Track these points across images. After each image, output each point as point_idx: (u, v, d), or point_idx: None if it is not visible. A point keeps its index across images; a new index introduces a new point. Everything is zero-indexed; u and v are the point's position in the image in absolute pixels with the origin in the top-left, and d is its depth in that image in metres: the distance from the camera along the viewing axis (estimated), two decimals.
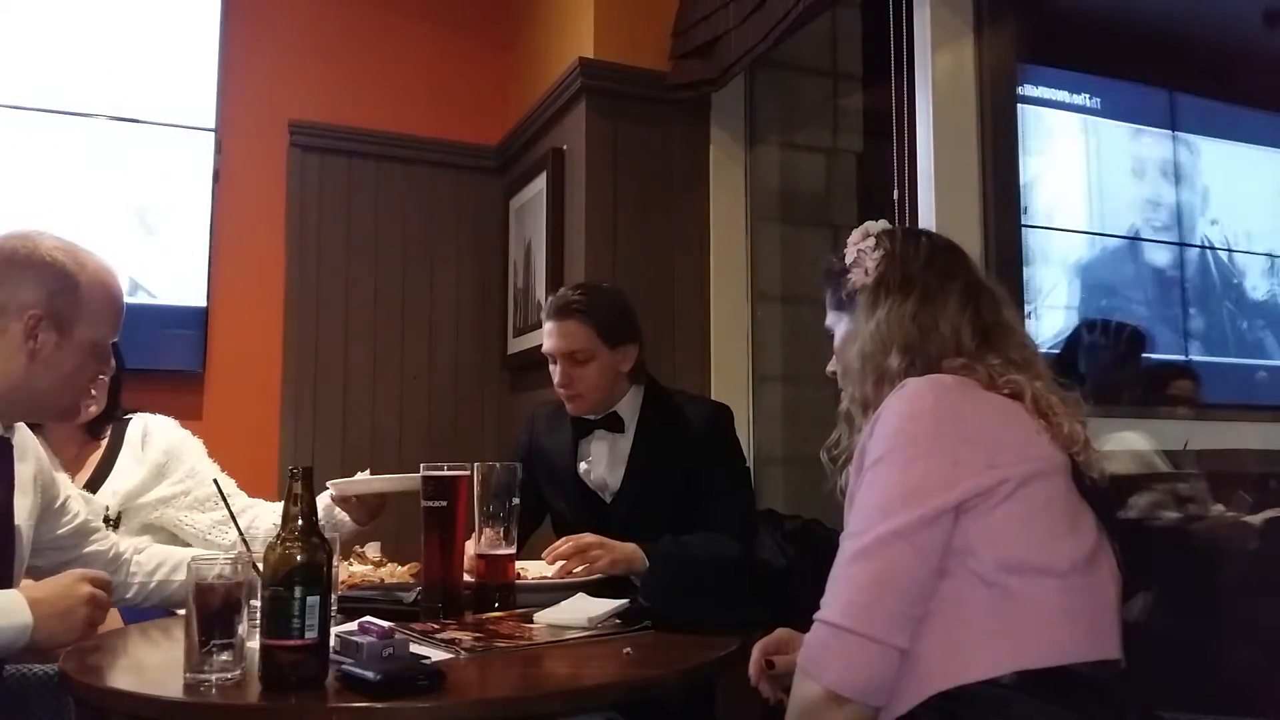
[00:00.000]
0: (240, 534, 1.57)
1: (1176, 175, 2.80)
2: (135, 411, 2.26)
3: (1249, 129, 2.82)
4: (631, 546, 1.87)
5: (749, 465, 2.59)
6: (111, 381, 2.18)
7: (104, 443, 2.19)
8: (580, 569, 1.81)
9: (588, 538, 1.87)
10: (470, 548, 1.69)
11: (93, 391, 2.09)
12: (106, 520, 2.09)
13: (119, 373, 2.21)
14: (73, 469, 2.13)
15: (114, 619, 1.80)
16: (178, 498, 2.15)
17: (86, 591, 1.50)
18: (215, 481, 1.77)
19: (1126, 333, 2.49)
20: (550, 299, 2.21)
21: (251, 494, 2.14)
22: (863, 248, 1.35)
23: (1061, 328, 2.56)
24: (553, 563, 1.84)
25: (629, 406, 2.16)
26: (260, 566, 1.21)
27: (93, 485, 2.12)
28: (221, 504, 2.09)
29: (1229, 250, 2.77)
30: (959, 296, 1.30)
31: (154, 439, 2.20)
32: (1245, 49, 2.57)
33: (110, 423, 2.20)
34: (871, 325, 1.30)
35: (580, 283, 2.41)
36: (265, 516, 2.06)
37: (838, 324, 1.41)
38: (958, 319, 1.28)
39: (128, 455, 2.16)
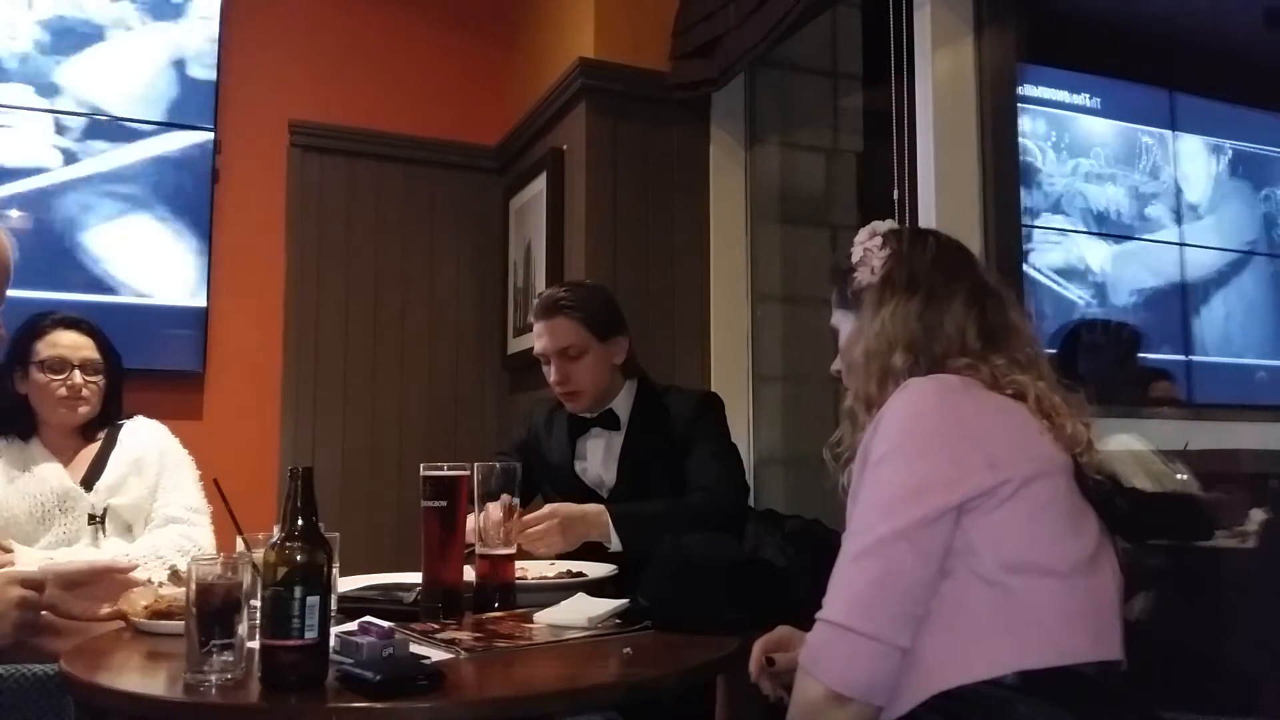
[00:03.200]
0: (240, 534, 1.55)
1: (1176, 175, 2.80)
2: (135, 415, 2.28)
3: (1249, 129, 2.82)
4: (588, 508, 1.93)
5: (748, 464, 2.58)
6: (110, 386, 2.20)
7: (98, 443, 2.21)
8: (543, 549, 1.86)
9: (544, 510, 1.90)
10: (470, 522, 1.69)
11: (83, 394, 2.13)
12: (93, 519, 2.11)
13: (118, 377, 2.23)
14: (69, 465, 2.16)
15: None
16: (140, 506, 2.17)
17: (16, 595, 1.46)
18: (215, 481, 1.75)
19: (1124, 333, 2.49)
20: (536, 300, 2.22)
21: (252, 494, 2.11)
22: (869, 246, 1.35)
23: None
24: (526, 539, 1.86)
25: (623, 403, 2.17)
26: (260, 566, 1.20)
27: (86, 484, 2.14)
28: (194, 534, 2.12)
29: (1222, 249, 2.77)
30: (965, 296, 1.30)
31: (134, 441, 2.21)
32: (1245, 49, 2.57)
33: (106, 426, 2.22)
34: (877, 324, 1.30)
35: (563, 281, 2.42)
36: (169, 541, 2.07)
37: (843, 322, 1.40)
38: (963, 319, 1.28)
39: (117, 456, 2.19)
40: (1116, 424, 2.10)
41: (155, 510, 2.17)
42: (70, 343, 2.16)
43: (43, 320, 2.19)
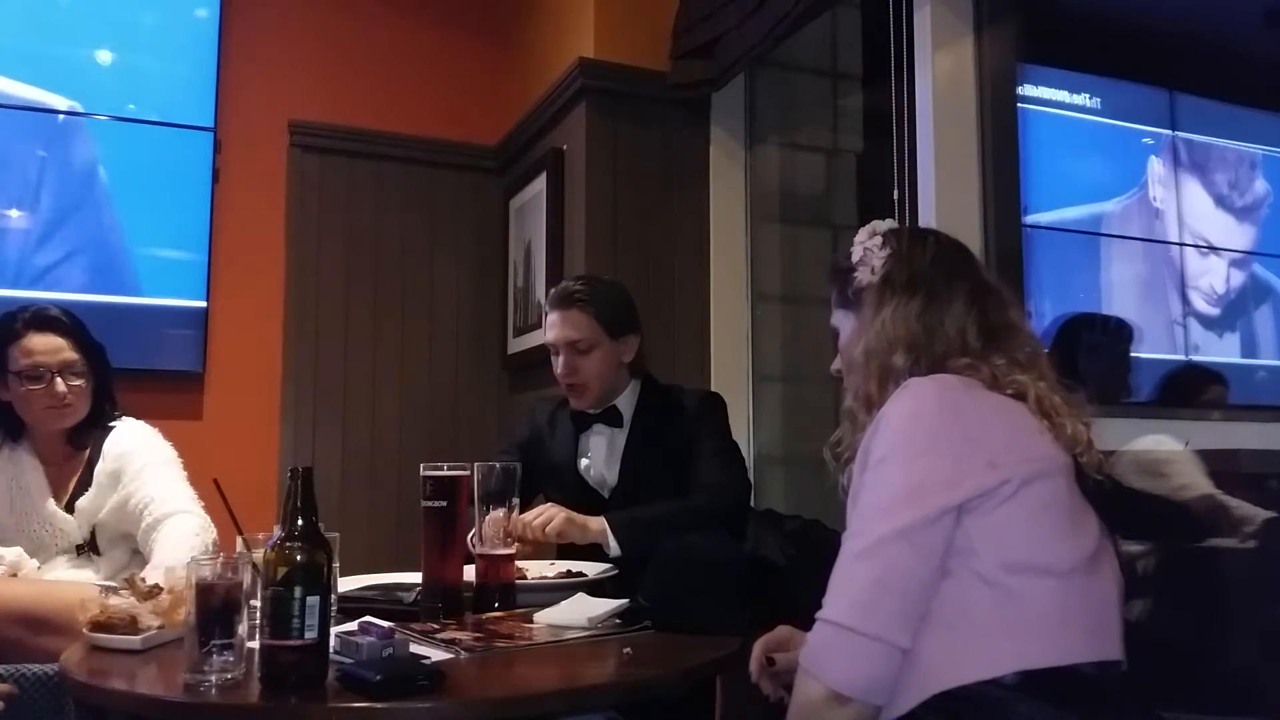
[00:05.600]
0: (240, 534, 1.55)
1: (1176, 175, 2.80)
2: (124, 416, 2.14)
3: (1249, 129, 2.82)
4: (591, 520, 1.91)
5: (748, 464, 2.58)
6: (97, 383, 2.07)
7: (86, 453, 2.07)
8: (544, 530, 1.84)
9: (550, 510, 1.90)
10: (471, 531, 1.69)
11: (67, 400, 2.00)
12: (80, 547, 2.01)
13: (104, 373, 2.09)
14: (57, 484, 2.05)
15: None
16: (123, 507, 2.01)
17: None
18: (215, 481, 1.73)
19: (1115, 328, 2.50)
20: (552, 290, 2.22)
21: (251, 494, 2.05)
22: (869, 246, 1.35)
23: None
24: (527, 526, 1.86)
25: (627, 401, 2.17)
26: (260, 566, 1.20)
27: (70, 505, 2.03)
28: (146, 522, 1.98)
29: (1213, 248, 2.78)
30: (965, 296, 1.30)
31: (113, 452, 2.05)
32: (1245, 49, 2.57)
33: (95, 430, 2.08)
34: (877, 324, 1.30)
35: (582, 274, 2.41)
36: (168, 539, 1.91)
37: (843, 322, 1.40)
38: (963, 319, 1.28)
39: (99, 470, 2.04)
40: (1143, 425, 2.11)
41: (150, 509, 1.98)
42: (46, 347, 1.99)
43: (13, 323, 2.02)
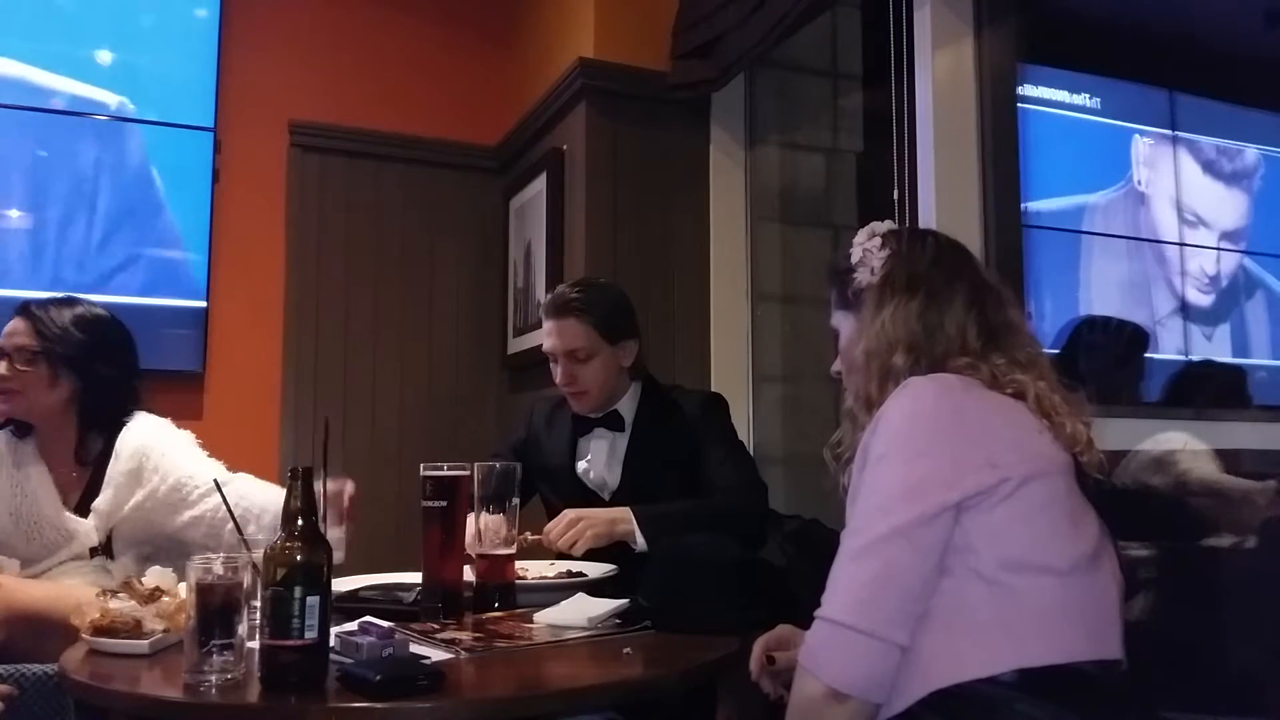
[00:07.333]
0: (240, 534, 1.55)
1: (1176, 174, 2.80)
2: (135, 413, 2.07)
3: (1249, 129, 2.83)
4: (612, 511, 1.91)
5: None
6: (85, 391, 2.00)
7: (97, 454, 2.01)
8: (572, 546, 1.85)
9: (568, 515, 1.90)
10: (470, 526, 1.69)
11: (12, 385, 1.92)
12: (94, 551, 1.94)
13: (97, 382, 2.01)
14: (66, 487, 1.98)
15: None
16: (152, 498, 1.96)
17: None
18: (215, 481, 1.73)
19: (1125, 331, 2.50)
20: (548, 297, 2.20)
21: None
22: (869, 247, 1.35)
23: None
24: (552, 543, 1.87)
25: (628, 404, 2.16)
26: (260, 566, 1.20)
27: (82, 509, 1.96)
28: (193, 498, 1.96)
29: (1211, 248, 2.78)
30: (965, 296, 1.30)
31: (127, 449, 1.99)
32: (1245, 49, 2.57)
33: (99, 435, 2.01)
34: (877, 324, 1.30)
35: (578, 280, 2.40)
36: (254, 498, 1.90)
37: (842, 323, 1.40)
38: (963, 318, 1.28)
39: (113, 470, 1.97)
40: (1148, 425, 2.12)
41: (192, 481, 1.96)
42: (7, 330, 1.97)
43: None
